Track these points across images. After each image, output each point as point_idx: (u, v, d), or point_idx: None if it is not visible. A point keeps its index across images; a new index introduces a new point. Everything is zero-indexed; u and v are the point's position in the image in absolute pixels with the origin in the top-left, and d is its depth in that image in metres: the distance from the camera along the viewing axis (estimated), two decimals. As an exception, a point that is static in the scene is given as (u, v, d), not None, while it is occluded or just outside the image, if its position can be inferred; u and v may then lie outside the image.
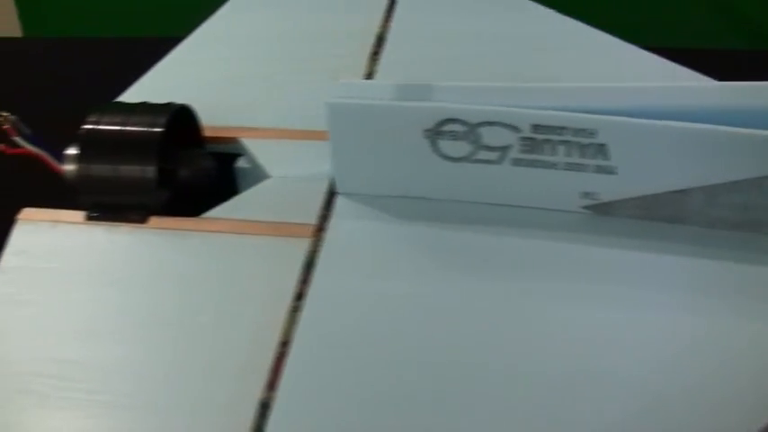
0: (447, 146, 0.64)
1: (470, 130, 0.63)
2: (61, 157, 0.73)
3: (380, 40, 0.86)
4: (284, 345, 0.57)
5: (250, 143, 0.74)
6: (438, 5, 0.93)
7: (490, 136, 0.63)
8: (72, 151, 0.72)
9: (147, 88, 0.81)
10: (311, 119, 0.75)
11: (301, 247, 0.63)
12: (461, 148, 0.64)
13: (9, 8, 2.31)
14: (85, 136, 0.69)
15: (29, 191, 0.99)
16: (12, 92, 1.34)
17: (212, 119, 0.76)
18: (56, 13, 2.33)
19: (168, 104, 0.71)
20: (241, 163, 0.75)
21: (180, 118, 0.70)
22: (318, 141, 0.72)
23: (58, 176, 0.75)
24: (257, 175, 0.73)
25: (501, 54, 0.85)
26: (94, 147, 0.68)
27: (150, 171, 0.66)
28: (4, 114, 0.71)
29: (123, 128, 0.69)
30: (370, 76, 0.81)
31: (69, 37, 1.74)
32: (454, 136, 0.63)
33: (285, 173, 0.70)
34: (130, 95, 0.79)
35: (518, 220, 0.65)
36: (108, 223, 0.68)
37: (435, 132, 0.63)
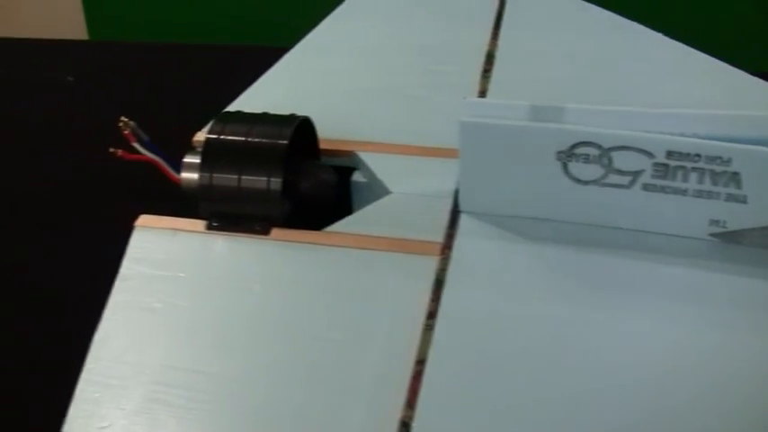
0: (578, 168, 0.63)
1: (603, 153, 0.62)
2: (176, 165, 0.73)
3: (490, 58, 0.86)
4: (420, 363, 0.57)
5: (367, 157, 0.73)
6: (544, 24, 0.93)
7: (623, 160, 0.63)
8: (191, 159, 0.71)
9: (258, 98, 0.81)
10: (428, 135, 0.75)
11: (429, 264, 0.63)
12: (592, 171, 0.63)
13: (78, 11, 2.33)
14: (209, 145, 0.69)
15: (141, 196, 1.00)
16: (111, 97, 1.35)
17: (325, 131, 0.76)
18: (122, 17, 2.34)
19: (291, 116, 0.71)
20: (356, 177, 0.74)
21: (300, 129, 0.70)
22: (438, 158, 0.72)
23: (172, 183, 0.74)
24: (374, 189, 0.72)
25: (611, 76, 0.84)
26: (218, 156, 0.68)
27: (276, 183, 0.66)
28: (124, 120, 0.72)
29: (247, 138, 0.68)
30: (483, 94, 0.81)
31: (162, 42, 1.74)
32: (586, 159, 0.63)
33: (406, 189, 0.70)
34: (241, 104, 0.79)
35: (645, 245, 0.65)
36: (229, 233, 0.67)
37: (568, 155, 0.63)
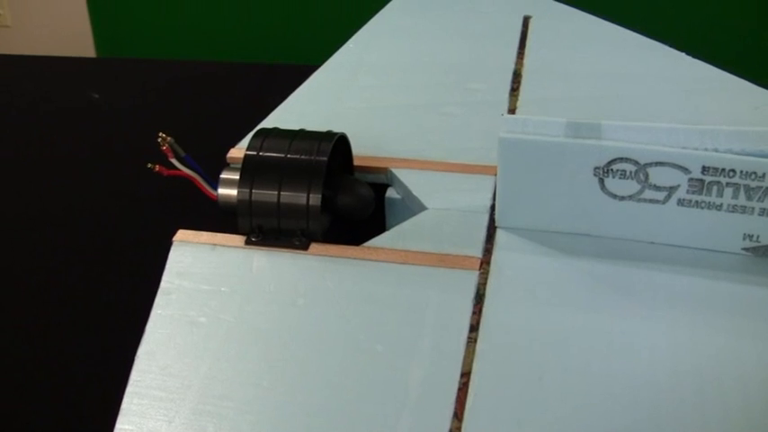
0: (614, 184, 0.65)
1: (640, 169, 0.64)
2: (210, 180, 0.73)
3: (517, 76, 0.87)
4: (465, 375, 0.58)
5: (401, 173, 0.75)
6: (568, 43, 0.94)
7: (659, 176, 0.64)
8: (228, 175, 0.72)
9: (290, 114, 0.82)
10: (460, 151, 0.76)
11: (469, 279, 0.64)
12: (629, 186, 0.64)
13: (86, 29, 2.34)
14: (248, 161, 0.70)
15: (175, 211, 1.01)
16: (136, 114, 1.36)
17: (357, 147, 0.77)
18: (131, 35, 2.36)
19: (328, 132, 0.72)
20: (390, 193, 0.75)
21: (337, 145, 0.71)
22: (472, 174, 0.73)
23: (207, 199, 0.75)
24: (409, 205, 0.73)
25: (636, 94, 0.86)
26: (257, 172, 0.69)
27: (316, 198, 0.67)
28: (162, 135, 0.72)
29: (286, 154, 0.69)
30: (512, 112, 0.82)
31: (178, 60, 1.75)
32: (623, 174, 0.64)
33: (442, 205, 0.71)
34: (273, 121, 0.80)
35: (679, 259, 0.66)
36: (269, 248, 0.68)
37: (605, 170, 0.64)
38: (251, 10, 2.13)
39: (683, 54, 0.91)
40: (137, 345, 0.63)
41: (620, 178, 0.64)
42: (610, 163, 0.63)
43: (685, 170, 0.63)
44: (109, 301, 0.94)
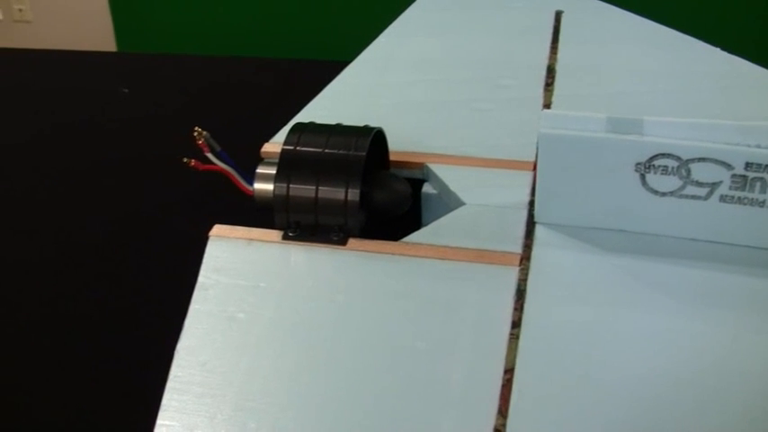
0: (656, 180, 0.64)
1: (682, 165, 0.63)
2: (245, 175, 0.73)
3: (551, 72, 0.87)
4: (508, 372, 0.57)
5: (437, 169, 0.74)
6: (600, 38, 0.93)
7: (701, 172, 0.63)
8: (264, 170, 0.72)
9: (323, 110, 0.82)
10: (496, 147, 0.75)
11: (509, 275, 0.64)
12: (670, 182, 0.64)
13: (107, 24, 2.34)
14: (285, 156, 0.69)
15: (205, 206, 1.01)
16: (163, 107, 1.36)
17: (393, 142, 0.77)
18: (150, 30, 2.36)
19: (365, 127, 0.71)
20: (427, 188, 0.75)
21: (373, 141, 0.70)
22: (508, 170, 0.72)
23: (239, 194, 0.75)
24: (446, 201, 0.73)
25: (670, 89, 0.85)
26: (295, 167, 0.69)
27: (355, 194, 0.67)
28: (198, 130, 0.72)
29: (324, 149, 0.69)
30: (547, 107, 0.82)
31: (201, 55, 1.75)
32: (665, 170, 0.63)
33: (479, 200, 0.70)
34: (307, 116, 0.79)
35: (720, 256, 0.65)
36: (306, 243, 0.68)
37: (646, 166, 0.63)
38: (272, 5, 2.12)
39: (718, 49, 0.90)
40: (174, 340, 0.63)
41: (661, 174, 0.63)
42: (651, 159, 0.63)
43: (728, 166, 0.62)
44: (145, 296, 0.94)
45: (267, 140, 0.79)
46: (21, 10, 2.54)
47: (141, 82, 1.40)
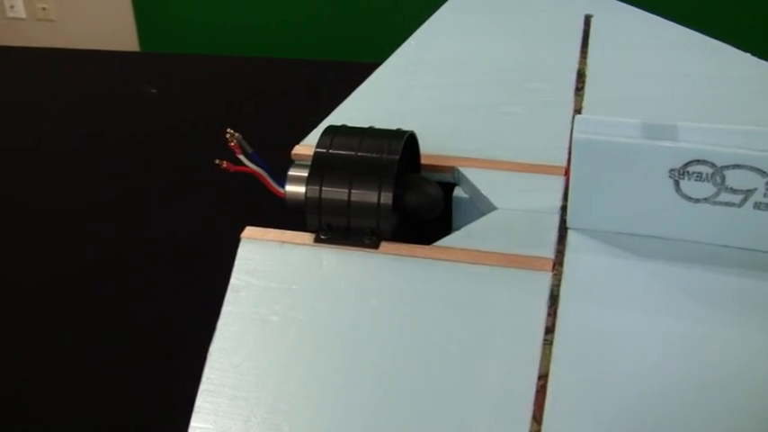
0: (690, 186, 0.64)
1: (716, 171, 0.63)
2: (276, 177, 0.73)
3: (581, 76, 0.86)
4: (542, 378, 0.57)
5: (468, 173, 0.74)
6: (630, 42, 0.93)
7: (736, 179, 0.63)
8: (296, 173, 0.72)
9: (353, 112, 0.82)
10: (527, 151, 0.75)
11: (542, 280, 0.64)
12: (704, 189, 0.64)
13: (129, 24, 2.35)
14: (318, 158, 0.69)
15: (234, 208, 1.01)
16: (192, 109, 1.36)
17: (424, 146, 0.77)
18: (173, 30, 2.36)
19: (398, 130, 0.71)
20: (458, 192, 0.75)
21: (405, 143, 0.71)
22: (540, 174, 0.72)
23: (268, 195, 0.75)
24: (478, 205, 0.73)
25: (700, 94, 0.85)
26: (327, 170, 0.69)
27: (388, 197, 0.67)
28: (230, 131, 0.72)
29: (357, 152, 0.69)
30: (578, 112, 0.81)
31: (229, 56, 1.76)
32: (699, 177, 0.63)
33: (511, 205, 0.70)
34: (337, 118, 0.79)
35: (753, 263, 0.65)
36: (338, 246, 0.68)
37: (680, 172, 0.63)
38: (300, 7, 2.12)
39: (748, 54, 0.90)
40: (205, 341, 0.63)
41: (695, 180, 0.63)
42: (686, 165, 0.62)
43: (763, 173, 0.62)
44: (175, 297, 0.94)
45: (296, 143, 0.78)
46: (44, 9, 2.55)
47: (168, 82, 1.41)
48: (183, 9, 2.22)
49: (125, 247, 1.04)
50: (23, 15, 2.57)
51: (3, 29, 2.57)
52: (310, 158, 0.70)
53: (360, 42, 1.94)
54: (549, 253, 0.65)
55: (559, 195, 0.70)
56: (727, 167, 0.62)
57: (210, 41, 2.19)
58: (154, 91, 1.28)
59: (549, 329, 0.60)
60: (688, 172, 0.63)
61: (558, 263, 0.64)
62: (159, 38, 2.29)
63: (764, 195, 0.63)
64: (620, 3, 1.02)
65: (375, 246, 0.67)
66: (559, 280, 0.63)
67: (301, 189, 0.69)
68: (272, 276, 0.66)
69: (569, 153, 0.71)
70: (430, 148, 0.75)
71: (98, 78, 1.47)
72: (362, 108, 0.82)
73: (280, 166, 0.75)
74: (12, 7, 2.57)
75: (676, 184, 0.63)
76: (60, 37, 2.51)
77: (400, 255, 0.66)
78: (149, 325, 0.91)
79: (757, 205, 0.63)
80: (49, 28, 2.57)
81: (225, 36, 2.17)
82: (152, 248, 1.03)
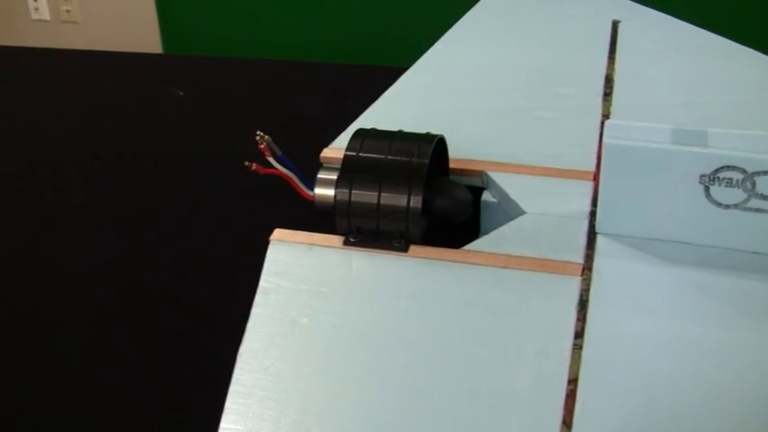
0: (720, 192, 0.64)
1: (747, 177, 0.63)
2: (305, 180, 0.73)
3: (609, 82, 0.86)
4: (572, 382, 0.57)
5: (497, 177, 0.74)
6: (658, 48, 0.93)
7: (766, 185, 0.63)
8: (325, 176, 0.72)
9: (381, 116, 0.82)
10: (555, 156, 0.75)
11: (572, 284, 0.64)
12: (735, 195, 0.64)
13: (153, 26, 2.36)
14: (348, 162, 0.70)
15: (258, 210, 1.01)
16: (219, 111, 1.36)
17: (452, 150, 0.77)
18: (196, 32, 2.37)
19: (427, 134, 0.71)
20: (486, 196, 0.75)
21: (434, 147, 0.71)
22: (568, 179, 0.72)
23: (295, 198, 0.75)
24: (506, 209, 0.73)
25: (728, 101, 0.84)
26: (357, 173, 0.69)
27: (417, 200, 0.67)
28: (260, 134, 0.72)
29: (387, 156, 0.69)
30: (607, 117, 0.81)
31: (254, 59, 1.76)
32: (729, 183, 0.63)
33: (540, 209, 0.70)
34: (365, 122, 0.80)
35: (784, 270, 0.64)
36: (367, 249, 0.68)
37: (711, 178, 0.63)
38: (319, 10, 2.13)
39: (777, 60, 0.90)
40: (233, 343, 0.63)
41: (726, 186, 0.63)
42: (716, 171, 0.62)
43: (794, 180, 0.62)
44: (203, 299, 0.95)
45: (323, 146, 0.78)
46: (68, 11, 2.56)
47: (194, 85, 1.41)
48: (207, 11, 2.22)
49: (152, 251, 1.05)
50: (48, 17, 2.58)
51: (28, 31, 2.59)
52: (338, 161, 0.70)
53: (385, 47, 1.95)
54: (579, 258, 0.65)
55: (588, 200, 0.70)
56: (758, 174, 0.62)
57: (235, 44, 2.19)
58: (181, 93, 1.28)
59: (579, 334, 0.60)
60: (718, 178, 0.63)
61: (587, 268, 0.64)
62: (182, 40, 2.30)
63: (795, 202, 0.63)
64: (647, 8, 1.02)
65: (404, 249, 0.67)
66: (588, 285, 0.63)
67: (330, 192, 0.70)
68: (301, 279, 0.66)
69: (598, 158, 0.71)
70: (458, 152, 0.76)
71: (124, 80, 1.48)
72: (390, 112, 0.82)
73: (307, 168, 0.75)
74: (36, 9, 2.58)
75: (706, 189, 0.63)
76: (84, 39, 2.52)
77: (429, 258, 0.67)
78: (178, 326, 0.92)
79: (788, 211, 0.63)
80: (73, 30, 2.59)
81: (249, 39, 2.18)
82: (176, 250, 1.03)
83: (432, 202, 0.70)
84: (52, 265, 1.05)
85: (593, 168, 0.73)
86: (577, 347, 0.59)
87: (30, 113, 1.39)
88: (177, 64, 1.66)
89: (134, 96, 1.38)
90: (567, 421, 0.55)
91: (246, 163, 0.73)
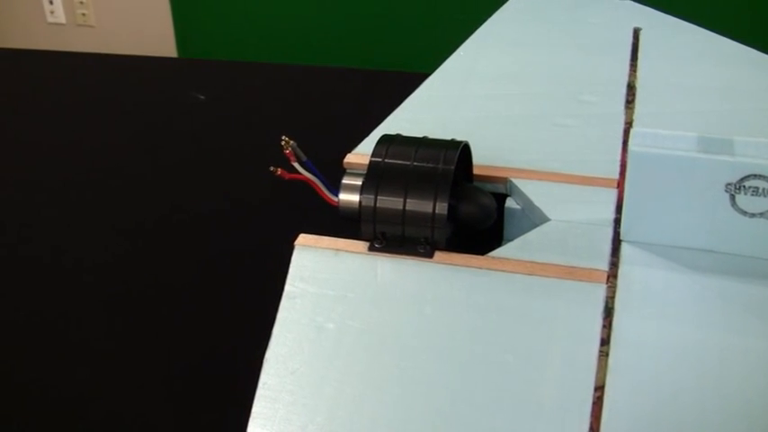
0: (746, 201, 0.64)
1: (773, 186, 0.63)
2: (330, 185, 0.74)
3: (631, 89, 0.87)
4: (599, 389, 0.57)
5: (521, 184, 0.75)
6: (679, 56, 0.93)
7: (793, 194, 0.63)
8: (350, 181, 0.73)
9: (405, 121, 0.83)
10: (579, 163, 0.76)
11: (597, 292, 0.64)
12: (761, 203, 0.64)
13: (168, 30, 2.37)
14: (373, 167, 0.70)
15: (280, 215, 1.02)
16: (239, 116, 1.37)
17: (476, 156, 0.77)
18: (211, 36, 2.37)
19: (452, 141, 0.72)
20: (510, 203, 0.75)
21: (460, 154, 0.71)
22: (592, 187, 0.73)
23: (325, 203, 0.76)
24: (531, 216, 0.73)
25: (752, 109, 0.84)
26: (382, 179, 0.69)
27: (443, 207, 0.67)
28: (286, 139, 0.73)
29: (412, 162, 0.69)
30: (630, 125, 0.82)
31: (270, 63, 1.77)
32: (755, 192, 0.63)
33: (565, 217, 0.70)
34: (390, 127, 0.80)
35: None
36: (392, 255, 0.68)
37: (737, 187, 0.63)
38: (339, 14, 2.13)
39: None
40: (258, 348, 0.63)
41: (752, 195, 0.63)
42: (742, 179, 0.63)
43: (820, 189, 0.62)
44: (228, 304, 0.95)
45: (347, 151, 0.79)
46: (84, 14, 2.57)
47: (213, 89, 1.42)
48: (223, 15, 2.23)
49: (177, 256, 1.05)
50: (63, 21, 2.60)
51: (43, 34, 2.60)
52: (362, 167, 0.71)
53: (408, 52, 1.95)
54: (604, 265, 0.65)
55: (612, 207, 0.70)
56: (785, 182, 0.62)
57: (251, 48, 2.20)
58: (202, 97, 1.28)
59: (605, 341, 0.60)
60: (744, 186, 0.63)
61: (612, 275, 0.64)
62: (198, 44, 2.30)
63: (821, 211, 0.63)
64: (668, 16, 1.02)
65: (429, 255, 0.67)
66: (614, 292, 0.63)
67: (355, 198, 0.70)
68: (327, 284, 0.67)
69: (622, 166, 0.71)
70: (482, 158, 0.76)
71: (141, 83, 1.48)
72: (413, 118, 0.83)
73: (330, 173, 0.75)
74: (52, 13, 2.59)
75: (732, 198, 0.64)
76: (100, 42, 2.53)
77: (455, 264, 0.67)
78: (202, 331, 0.92)
79: (814, 221, 0.63)
80: (89, 33, 2.60)
81: (265, 43, 2.18)
82: (201, 256, 1.04)
83: (457, 209, 0.70)
84: (75, 264, 1.05)
85: (616, 176, 0.74)
86: (603, 354, 0.60)
87: (45, 116, 1.39)
88: (194, 68, 1.66)
89: (152, 100, 1.39)
90: (595, 428, 0.56)
91: (272, 168, 0.73)
